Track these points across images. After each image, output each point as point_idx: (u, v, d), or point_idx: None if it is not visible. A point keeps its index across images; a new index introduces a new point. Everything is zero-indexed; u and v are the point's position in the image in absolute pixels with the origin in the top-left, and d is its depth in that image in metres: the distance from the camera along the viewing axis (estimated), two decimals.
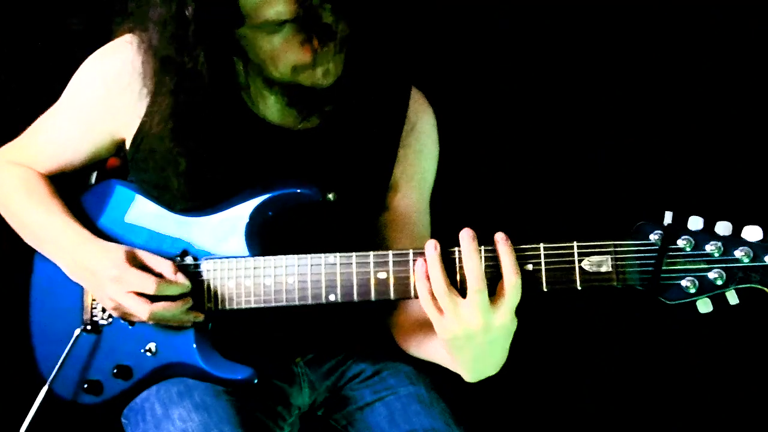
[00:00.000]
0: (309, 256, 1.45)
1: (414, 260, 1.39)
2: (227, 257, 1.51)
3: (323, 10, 1.39)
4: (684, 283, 1.29)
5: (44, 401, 1.58)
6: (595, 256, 1.32)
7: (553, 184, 2.10)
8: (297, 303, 1.46)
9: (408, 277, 1.39)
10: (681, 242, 1.29)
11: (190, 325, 1.52)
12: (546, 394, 2.12)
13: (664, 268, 1.29)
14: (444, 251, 1.33)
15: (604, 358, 2.18)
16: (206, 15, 1.36)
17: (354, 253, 1.42)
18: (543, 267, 1.33)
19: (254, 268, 1.49)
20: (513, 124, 2.11)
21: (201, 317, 1.51)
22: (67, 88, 1.64)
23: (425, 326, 1.51)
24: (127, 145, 1.60)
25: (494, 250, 1.32)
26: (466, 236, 1.31)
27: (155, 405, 1.55)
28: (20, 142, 1.71)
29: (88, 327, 1.60)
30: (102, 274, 1.49)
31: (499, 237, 1.31)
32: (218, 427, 1.47)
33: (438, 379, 1.69)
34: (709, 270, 1.28)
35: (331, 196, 1.55)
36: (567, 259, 1.33)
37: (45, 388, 1.59)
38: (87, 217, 1.63)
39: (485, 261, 1.33)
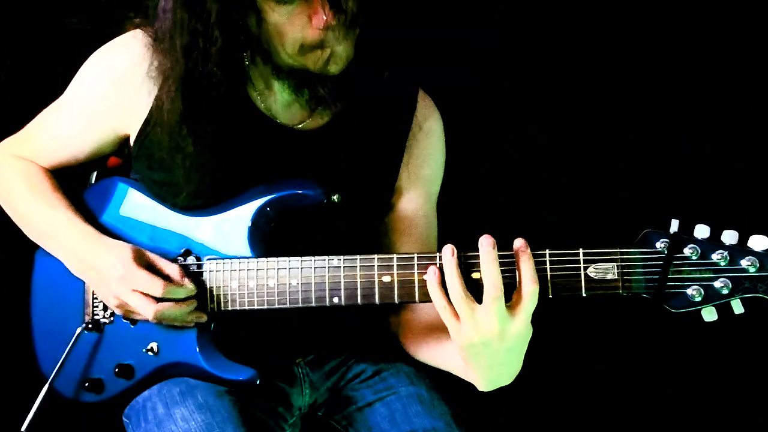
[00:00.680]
0: (313, 258, 1.44)
1: (419, 264, 1.39)
2: (230, 257, 1.50)
3: None
4: (690, 291, 1.29)
5: (45, 399, 1.57)
6: (601, 264, 1.32)
7: (559, 190, 2.09)
8: (300, 305, 1.46)
9: (413, 281, 1.39)
10: (687, 251, 1.29)
11: (192, 326, 1.51)
12: (547, 397, 2.13)
13: (670, 276, 1.29)
14: (459, 256, 1.33)
15: (605, 363, 2.19)
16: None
17: (358, 256, 1.42)
18: (548, 273, 1.33)
19: (257, 269, 1.48)
20: (520, 130, 2.10)
21: (204, 318, 1.50)
22: (72, 82, 1.63)
23: (435, 333, 1.52)
24: (131, 141, 1.59)
25: (508, 257, 1.32)
26: (486, 243, 1.31)
27: (157, 404, 1.54)
28: (23, 135, 1.70)
29: (90, 325, 1.59)
30: (108, 272, 1.48)
31: (520, 243, 1.31)
32: (220, 427, 1.47)
33: (439, 379, 1.69)
34: (715, 279, 1.28)
35: (335, 197, 1.54)
36: (572, 265, 1.32)
37: (46, 387, 1.58)
38: (89, 214, 1.62)
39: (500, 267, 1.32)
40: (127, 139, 1.61)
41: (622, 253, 1.31)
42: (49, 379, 1.58)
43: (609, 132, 2.08)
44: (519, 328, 1.29)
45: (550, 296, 1.33)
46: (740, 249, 1.28)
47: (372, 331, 1.73)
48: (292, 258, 1.46)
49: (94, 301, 1.60)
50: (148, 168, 1.59)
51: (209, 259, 1.52)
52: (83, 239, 1.55)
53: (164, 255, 1.51)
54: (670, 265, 1.29)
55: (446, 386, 1.68)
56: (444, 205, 1.70)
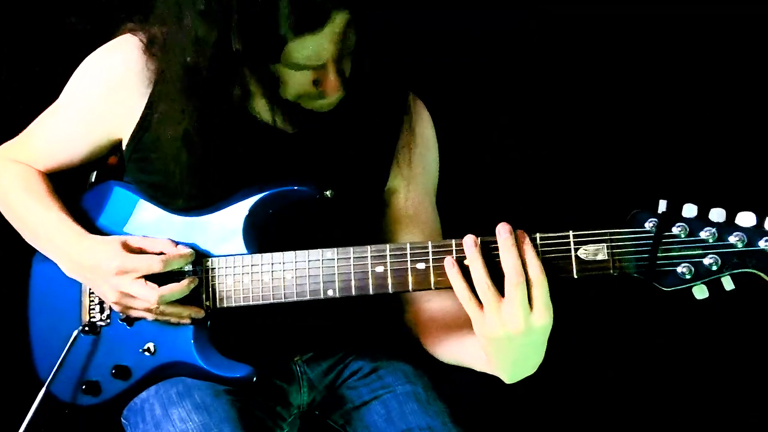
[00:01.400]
0: (307, 251, 1.46)
1: (411, 254, 1.40)
2: (225, 256, 1.51)
3: (343, 62, 1.45)
4: (680, 269, 1.30)
5: (43, 403, 1.58)
6: (591, 245, 1.33)
7: (547, 173, 2.10)
8: (295, 299, 1.47)
9: (406, 270, 1.40)
10: (676, 229, 1.30)
11: (189, 323, 1.52)
12: (543, 391, 2.12)
13: (659, 255, 1.30)
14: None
15: (602, 353, 2.18)
16: (249, 53, 1.39)
17: (351, 248, 1.43)
18: (539, 256, 1.33)
19: (252, 265, 1.50)
20: (507, 115, 2.12)
21: (201, 313, 1.51)
22: (67, 86, 1.65)
23: (454, 330, 1.52)
24: (124, 144, 1.61)
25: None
26: (504, 230, 1.31)
27: (155, 405, 1.54)
28: (20, 140, 1.72)
29: (87, 328, 1.60)
30: (103, 268, 1.49)
31: (520, 234, 1.31)
32: (218, 427, 1.47)
33: (435, 377, 1.69)
34: (704, 256, 1.29)
35: (328, 193, 1.56)
36: (563, 248, 1.33)
37: (43, 390, 1.58)
38: (86, 218, 1.63)
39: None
40: (120, 142, 1.63)
41: (611, 234, 1.32)
42: (46, 383, 1.59)
43: (596, 115, 2.10)
44: (541, 319, 1.29)
45: None
46: (728, 226, 1.29)
47: (370, 329, 1.74)
48: (286, 253, 1.47)
49: (91, 303, 1.61)
50: (141, 171, 1.60)
51: (205, 258, 1.52)
52: (74, 240, 1.56)
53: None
54: (659, 243, 1.30)
55: (443, 385, 1.68)
56: (437, 190, 1.71)
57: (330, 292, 1.44)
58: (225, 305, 1.51)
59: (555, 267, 1.33)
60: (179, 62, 1.46)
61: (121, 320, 1.58)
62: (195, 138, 1.52)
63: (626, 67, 2.06)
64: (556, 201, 2.06)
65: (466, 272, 1.34)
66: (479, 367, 1.46)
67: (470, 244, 1.33)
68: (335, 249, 1.44)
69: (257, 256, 1.50)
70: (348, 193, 1.60)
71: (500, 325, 1.29)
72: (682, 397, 2.20)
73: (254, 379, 1.50)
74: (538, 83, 2.10)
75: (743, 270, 1.28)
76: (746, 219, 1.28)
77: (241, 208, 1.53)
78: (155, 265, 1.46)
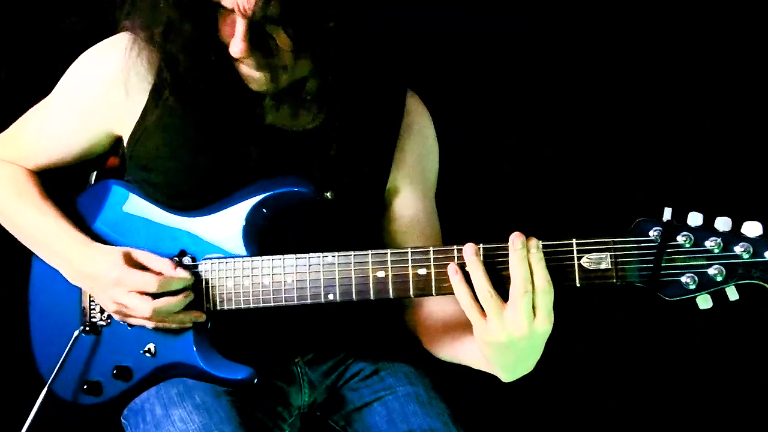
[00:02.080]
0: (307, 255, 1.45)
1: (413, 258, 1.39)
2: (225, 257, 1.51)
3: (257, 26, 1.37)
4: (684, 279, 1.29)
5: (44, 402, 1.58)
6: (595, 254, 1.32)
7: (552, 181, 2.09)
8: (296, 303, 1.46)
9: (407, 276, 1.39)
10: (680, 238, 1.29)
11: (190, 326, 1.51)
12: (545, 393, 2.12)
13: (663, 264, 1.29)
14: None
15: (603, 357, 2.18)
16: None
17: (353, 252, 1.42)
18: (545, 263, 1.32)
19: (252, 267, 1.49)
20: (511, 122, 2.11)
21: (202, 317, 1.51)
22: (60, 82, 1.63)
23: (453, 330, 1.52)
24: (125, 142, 1.60)
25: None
26: (519, 242, 1.30)
27: (155, 406, 1.54)
28: (7, 136, 1.70)
29: (87, 328, 1.60)
30: (102, 278, 1.49)
31: (532, 244, 1.30)
32: (218, 428, 1.47)
33: (437, 378, 1.69)
34: (709, 266, 1.28)
35: (329, 194, 1.55)
36: (566, 256, 1.32)
37: (45, 390, 1.59)
38: (83, 219, 1.62)
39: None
40: (120, 139, 1.62)
41: (615, 243, 1.31)
42: (48, 383, 1.59)
43: (601, 122, 2.08)
44: (543, 326, 1.29)
45: None
46: (733, 235, 1.27)
47: (370, 330, 1.73)
48: (286, 256, 1.46)
49: (91, 303, 1.61)
50: (142, 169, 1.59)
51: (205, 259, 1.52)
52: (75, 248, 1.55)
53: (159, 256, 1.51)
54: (663, 253, 1.29)
55: (444, 386, 1.68)
56: (439, 197, 1.70)
57: (331, 297, 1.44)
58: (225, 308, 1.51)
59: (557, 275, 1.32)
60: (162, 55, 1.45)
61: (123, 322, 1.58)
62: (191, 136, 1.51)
63: (632, 73, 2.04)
64: (559, 208, 2.05)
65: (468, 278, 1.33)
66: (478, 366, 1.47)
67: (470, 253, 1.32)
68: (336, 253, 1.43)
69: (257, 259, 1.49)
70: (348, 194, 1.59)
71: (502, 330, 1.29)
72: (684, 404, 2.20)
73: (255, 380, 1.50)
74: (542, 88, 2.08)
75: (748, 281, 1.26)
76: (752, 229, 1.27)
77: (241, 209, 1.52)
78: (150, 286, 1.46)
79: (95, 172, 1.69)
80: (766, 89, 1.98)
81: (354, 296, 1.43)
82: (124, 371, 1.57)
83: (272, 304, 1.47)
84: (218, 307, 1.51)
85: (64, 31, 1.94)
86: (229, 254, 1.51)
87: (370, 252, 1.41)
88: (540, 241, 1.31)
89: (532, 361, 1.38)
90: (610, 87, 2.06)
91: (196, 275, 1.51)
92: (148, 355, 1.56)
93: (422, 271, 1.38)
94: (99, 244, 1.55)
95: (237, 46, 1.38)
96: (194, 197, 1.56)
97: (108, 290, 1.48)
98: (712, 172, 1.99)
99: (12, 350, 1.71)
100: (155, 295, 1.46)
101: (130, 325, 1.57)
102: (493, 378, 1.45)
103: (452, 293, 1.36)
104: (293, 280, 1.46)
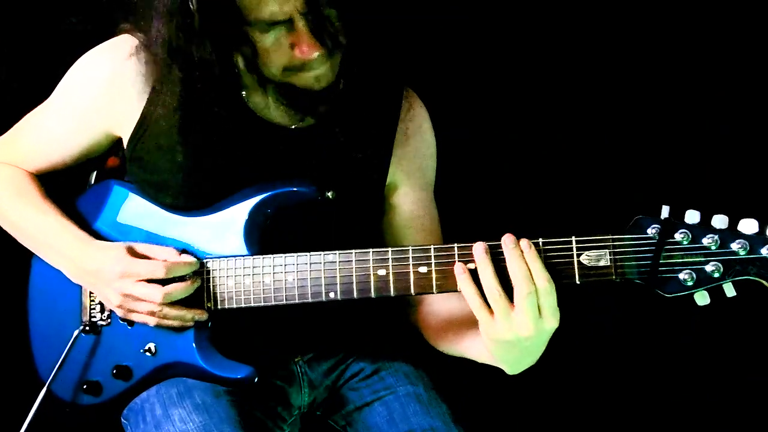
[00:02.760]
0: (308, 254, 1.45)
1: (414, 257, 1.39)
2: (226, 256, 1.51)
3: (317, 18, 1.39)
4: (682, 276, 1.30)
5: (43, 402, 1.58)
6: (594, 251, 1.33)
7: (550, 179, 2.11)
8: (297, 301, 1.47)
9: (408, 273, 1.40)
10: (678, 236, 1.30)
11: (191, 325, 1.52)
12: (545, 392, 2.13)
13: (662, 261, 1.30)
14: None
15: (602, 355, 2.19)
16: (208, 9, 1.36)
17: (353, 251, 1.43)
18: (542, 262, 1.34)
19: (253, 266, 1.49)
20: (510, 120, 2.12)
21: (204, 316, 1.51)
22: (60, 84, 1.63)
23: (457, 325, 1.53)
24: (125, 143, 1.60)
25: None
26: (510, 242, 1.31)
27: (155, 405, 1.54)
28: (8, 139, 1.70)
29: (87, 327, 1.60)
30: (106, 273, 1.49)
31: (524, 245, 1.32)
32: (218, 428, 1.47)
33: (437, 378, 1.70)
34: (706, 263, 1.29)
35: (330, 194, 1.56)
36: (565, 253, 1.34)
37: (44, 390, 1.59)
38: (84, 219, 1.62)
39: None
40: (120, 141, 1.62)
41: (614, 240, 1.33)
42: (47, 383, 1.59)
43: (599, 120, 2.09)
44: (549, 325, 1.31)
45: None
46: (730, 233, 1.29)
47: (370, 330, 1.74)
48: (287, 254, 1.47)
49: (91, 303, 1.61)
50: (142, 170, 1.60)
51: (206, 258, 1.52)
52: (77, 245, 1.55)
53: None
54: (661, 250, 1.30)
55: (445, 385, 1.69)
56: (438, 196, 1.71)
57: (332, 295, 1.44)
58: (226, 306, 1.51)
59: (557, 272, 1.33)
60: (163, 52, 1.45)
61: (122, 320, 1.58)
62: (191, 136, 1.52)
63: (630, 71, 2.05)
64: (558, 206, 2.06)
65: (475, 277, 1.34)
66: (482, 360, 1.48)
67: (481, 251, 1.33)
68: (337, 252, 1.44)
69: (258, 258, 1.49)
70: (348, 192, 1.59)
71: (509, 330, 1.31)
72: (682, 400, 2.21)
73: (255, 380, 1.50)
74: (541, 86, 2.10)
75: (745, 278, 1.28)
76: (749, 226, 1.28)
77: (243, 209, 1.53)
78: (159, 271, 1.46)
79: (95, 172, 1.69)
80: (763, 88, 2.00)
81: (355, 294, 1.43)
82: (124, 371, 1.57)
83: (273, 302, 1.48)
84: (219, 306, 1.51)
85: (64, 32, 1.95)
86: (231, 253, 1.51)
87: (371, 250, 1.42)
88: (530, 241, 1.32)
89: (536, 356, 1.39)
90: (608, 86, 2.07)
91: (198, 273, 1.51)
92: (148, 354, 1.56)
93: (423, 269, 1.39)
94: (101, 241, 1.56)
95: (308, 47, 1.39)
96: (195, 198, 1.56)
97: (113, 283, 1.48)
98: (709, 170, 2.01)
99: (11, 350, 1.71)
100: (164, 283, 1.46)
101: (131, 324, 1.57)
102: (493, 378, 1.46)
103: (453, 291, 1.37)
104: (294, 279, 1.46)
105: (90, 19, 1.92)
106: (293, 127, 1.60)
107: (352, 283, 1.43)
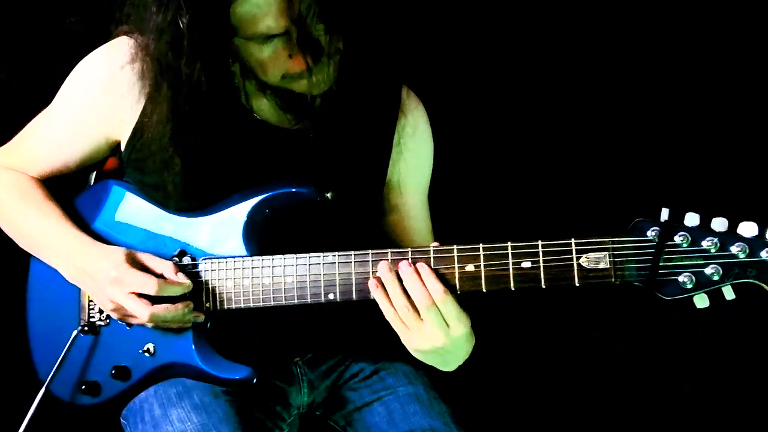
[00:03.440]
0: (307, 255, 1.46)
1: (413, 258, 1.39)
2: (225, 257, 1.51)
3: (313, 26, 1.40)
4: (681, 278, 1.30)
5: (42, 403, 1.57)
6: (593, 253, 1.33)
7: (550, 181, 2.11)
8: (296, 302, 1.47)
9: None
10: (678, 238, 1.30)
11: (189, 326, 1.52)
12: (544, 392, 2.13)
13: (661, 264, 1.31)
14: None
15: (602, 357, 2.19)
16: (199, 26, 1.37)
17: (353, 252, 1.43)
18: (541, 264, 1.34)
19: (252, 267, 1.49)
20: (509, 123, 2.12)
21: (202, 317, 1.51)
22: (60, 90, 1.63)
23: None
24: (123, 147, 1.60)
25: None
26: (383, 269, 1.39)
27: (154, 405, 1.54)
28: (12, 146, 1.70)
29: (86, 328, 1.59)
30: (101, 277, 1.49)
31: (404, 266, 1.38)
32: (217, 428, 1.47)
33: (437, 378, 1.70)
34: (705, 266, 1.29)
35: (329, 195, 1.56)
36: (565, 256, 1.34)
37: (43, 390, 1.58)
38: (83, 219, 1.62)
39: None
40: (118, 144, 1.62)
41: (613, 242, 1.33)
42: (46, 383, 1.59)
43: (599, 124, 2.09)
44: (458, 331, 1.37)
45: (544, 286, 1.34)
46: (730, 236, 1.29)
47: (370, 330, 1.74)
48: (286, 255, 1.47)
49: (90, 303, 1.61)
50: (140, 172, 1.60)
51: (204, 259, 1.52)
52: (76, 246, 1.55)
53: (159, 256, 1.52)
54: (661, 252, 1.31)
55: (444, 385, 1.69)
56: (435, 199, 1.71)
57: (331, 296, 1.45)
58: (225, 307, 1.51)
59: (557, 275, 1.33)
60: (154, 57, 1.45)
61: (121, 322, 1.58)
62: (185, 138, 1.51)
63: (630, 74, 2.05)
64: (558, 208, 2.06)
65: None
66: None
67: (385, 269, 1.39)
68: (336, 253, 1.44)
69: (257, 259, 1.49)
70: (347, 193, 1.59)
71: (424, 341, 1.38)
72: (681, 402, 2.21)
73: (254, 380, 1.50)
74: (542, 87, 2.10)
75: (744, 280, 1.28)
76: (748, 229, 1.28)
77: (242, 210, 1.53)
78: (150, 287, 1.46)
79: (95, 173, 1.69)
80: (763, 89, 2.00)
81: (354, 295, 1.43)
82: (122, 371, 1.57)
83: (272, 303, 1.48)
84: (218, 307, 1.51)
85: (64, 32, 1.95)
86: (230, 254, 1.51)
87: (370, 251, 1.42)
88: (421, 256, 1.38)
89: (462, 356, 1.45)
90: (608, 88, 2.08)
91: (196, 275, 1.51)
92: (147, 354, 1.55)
93: None
94: (101, 243, 1.55)
95: (305, 56, 1.41)
96: (193, 198, 1.56)
97: (106, 289, 1.48)
98: (709, 172, 2.01)
99: (10, 351, 1.71)
100: (154, 300, 1.46)
101: (129, 325, 1.57)
102: (493, 378, 1.47)
103: (453, 292, 1.37)
104: (293, 280, 1.46)
105: (90, 19, 1.92)
106: (292, 128, 1.60)
107: (351, 284, 1.43)
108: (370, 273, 1.42)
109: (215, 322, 1.54)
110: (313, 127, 1.59)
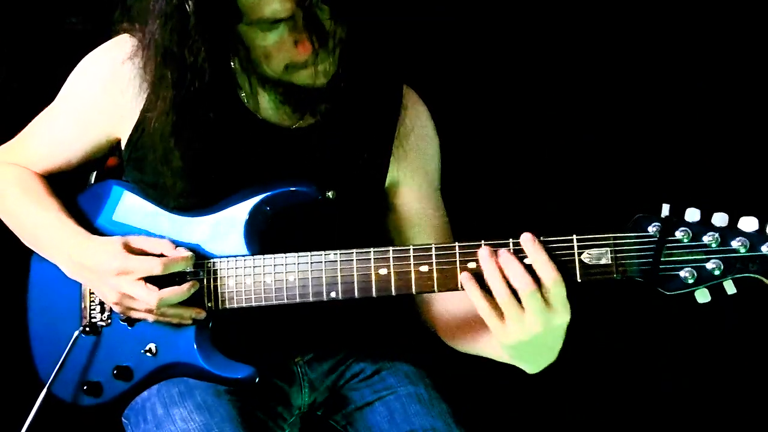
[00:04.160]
0: (309, 253, 1.45)
1: (414, 256, 1.39)
2: (227, 256, 1.51)
3: (320, 11, 1.40)
4: (682, 273, 1.30)
5: (44, 403, 1.57)
6: (595, 249, 1.33)
7: (551, 178, 2.11)
8: (298, 301, 1.47)
9: (409, 272, 1.40)
10: (679, 234, 1.31)
11: (191, 323, 1.52)
12: (546, 392, 2.13)
13: (662, 259, 1.31)
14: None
15: (604, 353, 2.19)
16: (205, 10, 1.37)
17: (354, 250, 1.43)
18: (550, 256, 1.33)
19: (254, 266, 1.49)
20: (511, 120, 2.13)
21: (203, 314, 1.51)
22: (63, 87, 1.64)
23: (472, 326, 1.51)
24: (123, 145, 1.60)
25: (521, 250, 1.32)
26: (504, 251, 1.31)
27: (156, 405, 1.54)
28: (16, 142, 1.71)
29: (87, 328, 1.59)
30: (104, 269, 1.49)
31: (526, 238, 1.31)
32: (219, 427, 1.47)
33: (438, 378, 1.70)
34: (707, 260, 1.30)
35: (330, 194, 1.56)
36: (567, 252, 1.34)
37: (44, 391, 1.58)
38: (84, 218, 1.62)
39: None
40: (119, 142, 1.62)
41: (615, 238, 1.33)
42: (47, 384, 1.58)
43: (600, 120, 2.10)
44: (560, 319, 1.30)
45: None
46: (730, 230, 1.29)
47: (371, 330, 1.74)
48: (288, 254, 1.47)
49: (91, 304, 1.61)
50: (140, 171, 1.60)
51: (206, 259, 1.52)
52: (75, 242, 1.55)
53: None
54: (662, 248, 1.31)
55: (445, 385, 1.69)
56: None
57: (333, 295, 1.44)
58: (227, 306, 1.51)
59: (559, 271, 1.33)
60: (158, 46, 1.44)
61: (122, 321, 1.58)
62: (186, 132, 1.51)
63: (631, 70, 2.06)
64: (559, 205, 2.07)
65: (481, 283, 1.32)
66: (501, 360, 1.46)
67: (486, 256, 1.31)
68: (338, 251, 1.44)
69: (259, 257, 1.49)
70: (348, 192, 1.59)
71: (522, 332, 1.30)
72: (682, 399, 2.21)
73: (256, 380, 1.50)
74: (543, 85, 2.10)
75: (745, 275, 1.29)
76: (749, 224, 1.29)
77: (243, 208, 1.53)
78: (155, 268, 1.46)
79: (95, 172, 1.69)
80: (763, 88, 2.01)
81: (356, 294, 1.43)
82: (124, 371, 1.57)
83: (274, 302, 1.48)
84: (220, 306, 1.51)
85: (65, 32, 1.95)
86: (231, 253, 1.51)
87: (372, 249, 1.42)
88: (532, 235, 1.31)
89: (553, 352, 1.38)
90: (610, 85, 2.08)
91: (197, 274, 1.51)
92: (149, 354, 1.55)
93: (424, 269, 1.39)
94: (98, 236, 1.55)
95: (309, 43, 1.39)
96: (194, 197, 1.56)
97: (110, 280, 1.48)
98: (709, 168, 2.01)
99: (11, 351, 1.70)
100: (161, 285, 1.46)
101: (131, 324, 1.57)
102: (493, 378, 1.46)
103: (454, 290, 1.37)
104: (295, 279, 1.46)
105: (90, 19, 1.93)
106: (293, 126, 1.60)
107: (354, 282, 1.43)
108: (372, 271, 1.41)
109: (217, 322, 1.54)
110: (313, 125, 1.60)
